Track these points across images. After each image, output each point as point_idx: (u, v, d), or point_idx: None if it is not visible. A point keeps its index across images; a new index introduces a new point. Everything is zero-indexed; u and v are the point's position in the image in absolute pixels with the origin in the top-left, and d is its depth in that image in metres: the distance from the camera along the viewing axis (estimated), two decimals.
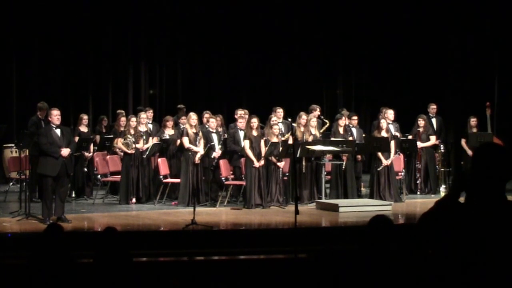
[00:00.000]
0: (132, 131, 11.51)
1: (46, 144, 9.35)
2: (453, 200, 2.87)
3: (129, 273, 5.06)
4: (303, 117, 11.63)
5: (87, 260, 6.33)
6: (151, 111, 13.01)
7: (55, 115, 9.53)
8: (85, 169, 12.21)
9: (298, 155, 10.87)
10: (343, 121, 12.01)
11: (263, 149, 11.04)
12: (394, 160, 11.89)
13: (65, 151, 9.38)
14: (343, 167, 11.63)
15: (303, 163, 11.28)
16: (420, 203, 11.89)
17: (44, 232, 5.44)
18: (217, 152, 11.56)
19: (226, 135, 12.33)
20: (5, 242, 8.21)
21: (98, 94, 15.59)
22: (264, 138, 11.20)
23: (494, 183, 2.79)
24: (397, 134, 12.57)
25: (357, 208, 10.62)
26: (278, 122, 11.79)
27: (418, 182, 12.82)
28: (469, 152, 12.41)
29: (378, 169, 11.66)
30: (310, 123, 11.72)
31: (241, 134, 11.49)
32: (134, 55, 15.95)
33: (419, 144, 12.68)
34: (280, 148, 11.07)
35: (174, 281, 5.38)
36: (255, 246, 8.38)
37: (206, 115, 12.05)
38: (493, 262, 2.70)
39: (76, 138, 12.13)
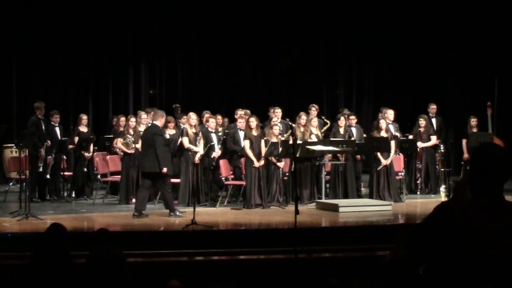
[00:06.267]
0: (131, 131, 11.51)
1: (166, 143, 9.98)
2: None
3: (121, 273, 5.06)
4: (303, 117, 11.62)
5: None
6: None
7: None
8: (85, 169, 12.21)
9: (298, 155, 10.85)
10: (342, 121, 12.01)
11: (263, 149, 11.04)
12: (394, 160, 11.88)
13: None
14: (341, 168, 11.63)
15: (293, 163, 11.26)
16: (420, 203, 11.89)
17: (46, 231, 5.44)
18: (217, 152, 11.55)
19: (225, 135, 12.30)
20: (5, 242, 8.20)
21: (98, 94, 15.60)
22: (264, 138, 11.19)
23: (493, 183, 2.79)
24: (397, 134, 12.57)
25: (357, 208, 10.62)
26: (278, 122, 11.78)
27: (418, 182, 12.81)
28: (466, 156, 12.40)
29: (378, 169, 11.66)
30: (310, 123, 11.72)
31: (241, 134, 11.48)
32: (134, 55, 15.95)
33: (420, 144, 12.67)
34: (280, 148, 11.07)
35: (174, 281, 5.37)
36: (255, 246, 8.36)
37: (206, 115, 12.02)
38: (493, 263, 2.70)
39: (76, 138, 12.16)
